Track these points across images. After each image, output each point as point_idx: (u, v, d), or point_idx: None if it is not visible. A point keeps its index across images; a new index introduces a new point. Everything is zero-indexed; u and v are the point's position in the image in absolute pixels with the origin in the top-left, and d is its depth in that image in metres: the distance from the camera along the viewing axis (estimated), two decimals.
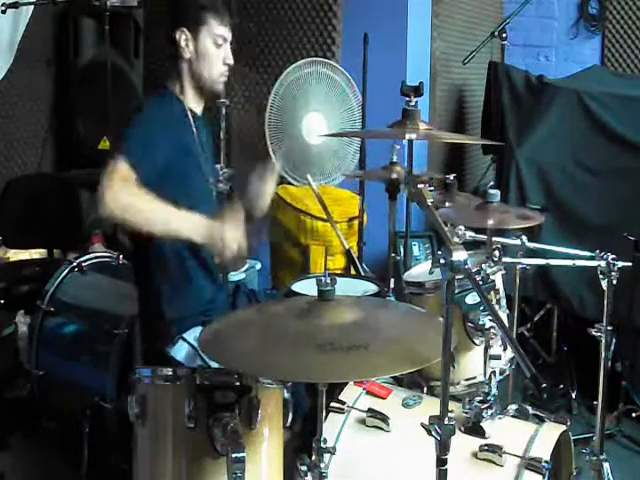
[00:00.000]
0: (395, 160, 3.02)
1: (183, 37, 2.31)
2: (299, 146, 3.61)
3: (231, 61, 2.38)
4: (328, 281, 1.70)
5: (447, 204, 3.03)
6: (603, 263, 2.23)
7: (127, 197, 2.04)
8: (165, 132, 2.23)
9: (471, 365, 2.29)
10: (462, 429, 2.01)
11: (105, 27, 4.00)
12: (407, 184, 2.74)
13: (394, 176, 2.93)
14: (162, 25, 4.87)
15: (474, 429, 2.01)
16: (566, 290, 3.74)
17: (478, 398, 2.07)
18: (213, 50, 2.34)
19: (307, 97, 3.49)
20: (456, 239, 2.39)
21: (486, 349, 2.18)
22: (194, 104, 2.39)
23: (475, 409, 2.04)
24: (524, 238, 2.59)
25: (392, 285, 2.82)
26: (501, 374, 2.27)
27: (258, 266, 4.07)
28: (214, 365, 1.95)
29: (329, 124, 3.66)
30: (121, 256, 3.15)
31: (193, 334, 2.25)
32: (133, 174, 2.08)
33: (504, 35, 3.46)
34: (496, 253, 2.34)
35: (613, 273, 2.23)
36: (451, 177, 3.17)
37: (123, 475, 2.14)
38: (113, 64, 4.15)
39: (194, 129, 2.36)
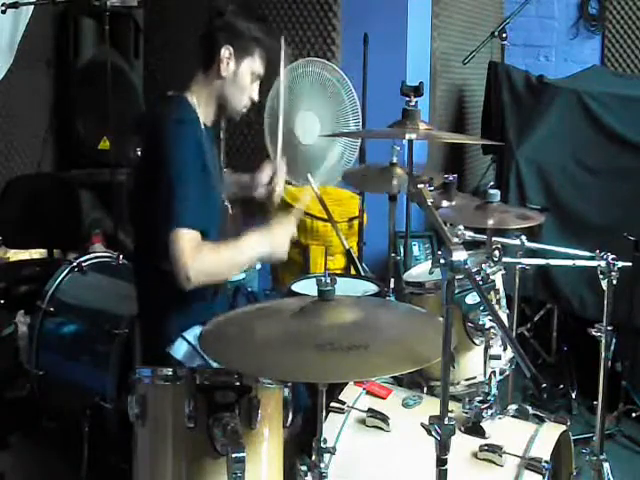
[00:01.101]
0: (395, 161, 3.02)
1: (227, 54, 2.30)
2: (293, 146, 3.60)
3: (256, 98, 2.39)
4: (328, 281, 1.70)
5: (447, 204, 3.03)
6: (603, 263, 2.23)
7: (205, 264, 2.12)
8: (195, 164, 2.21)
9: (471, 365, 2.30)
10: (462, 429, 2.01)
11: (105, 27, 4.00)
12: (407, 185, 2.75)
13: (394, 183, 2.93)
14: (162, 25, 4.90)
15: (474, 429, 2.01)
16: (566, 290, 3.74)
17: (478, 398, 2.07)
18: (248, 83, 2.34)
19: (301, 97, 3.49)
20: (455, 239, 2.39)
21: (486, 349, 2.18)
22: (206, 117, 2.36)
23: (475, 409, 2.04)
24: (524, 238, 2.59)
25: (392, 285, 2.82)
26: (501, 374, 2.27)
27: (258, 266, 4.07)
28: (214, 364, 1.95)
29: (322, 124, 3.66)
30: (121, 256, 3.15)
31: (193, 333, 2.25)
32: (196, 234, 2.12)
33: (504, 35, 3.46)
34: (496, 253, 2.34)
35: (613, 273, 2.23)
36: (451, 177, 3.17)
37: (123, 475, 2.14)
38: (113, 64, 4.15)
39: (207, 146, 2.32)
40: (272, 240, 2.27)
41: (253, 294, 2.67)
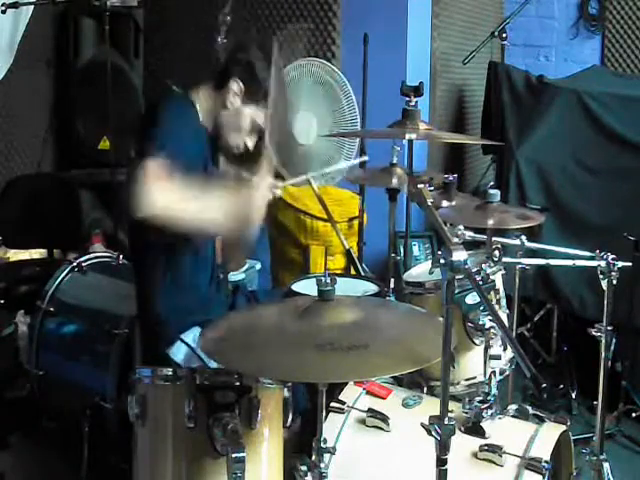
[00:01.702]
0: (395, 161, 3.02)
1: (236, 88, 2.30)
2: (292, 146, 3.60)
3: (250, 145, 2.37)
4: (328, 281, 1.70)
5: (447, 204, 3.03)
6: (603, 263, 2.23)
7: (163, 196, 1.97)
8: (187, 136, 2.20)
9: (471, 365, 2.29)
10: (462, 429, 2.01)
11: (105, 27, 4.00)
12: (407, 184, 2.75)
13: (394, 181, 2.93)
14: (162, 25, 4.90)
15: (474, 429, 2.01)
16: (566, 290, 3.74)
17: (478, 398, 2.07)
18: (246, 126, 2.34)
19: (298, 96, 3.49)
20: (455, 239, 2.39)
21: (486, 349, 2.18)
22: (204, 121, 2.36)
23: (475, 409, 2.04)
24: (524, 238, 2.59)
25: (392, 285, 2.82)
26: (501, 374, 2.27)
27: (258, 266, 4.07)
28: (213, 366, 1.95)
29: (320, 125, 3.66)
30: (121, 256, 3.15)
31: (191, 335, 2.25)
32: (164, 170, 2.01)
33: (504, 35, 3.45)
34: (496, 253, 2.34)
35: (613, 273, 2.23)
36: (451, 177, 3.17)
37: (123, 475, 2.14)
38: (113, 64, 4.15)
39: (205, 142, 2.34)
40: (242, 206, 2.10)
41: (253, 294, 2.67)
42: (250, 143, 2.37)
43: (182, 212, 2.02)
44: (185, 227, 2.05)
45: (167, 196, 1.98)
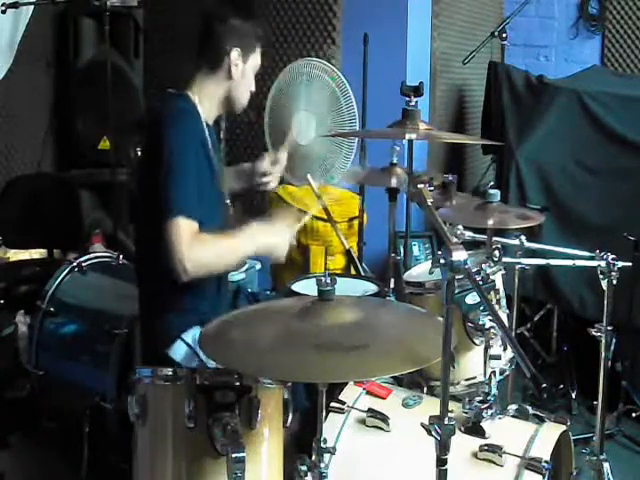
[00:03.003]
0: (395, 161, 3.02)
1: (235, 56, 2.32)
2: (291, 146, 3.61)
3: (254, 89, 2.43)
4: (328, 281, 1.70)
5: (447, 204, 3.03)
6: (603, 263, 2.23)
7: (202, 254, 2.11)
8: (196, 156, 2.23)
9: (471, 365, 2.30)
10: (462, 429, 2.01)
11: (105, 27, 4.00)
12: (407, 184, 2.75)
13: (394, 181, 2.93)
14: (162, 25, 4.90)
15: (474, 429, 2.01)
16: (566, 290, 3.74)
17: (478, 398, 2.07)
18: (251, 77, 2.40)
19: (297, 96, 3.49)
20: (455, 239, 2.39)
21: (486, 349, 2.18)
22: (208, 115, 2.37)
23: (475, 409, 2.03)
24: (523, 238, 2.59)
25: (392, 285, 2.81)
26: (501, 374, 2.27)
27: (258, 266, 4.07)
28: (212, 365, 1.95)
29: (318, 125, 3.66)
30: (121, 256, 3.15)
31: (191, 335, 2.25)
32: (194, 224, 2.11)
33: (504, 35, 3.46)
34: (496, 253, 2.34)
35: (613, 273, 2.23)
36: (451, 177, 3.17)
37: (123, 475, 2.14)
38: (113, 64, 4.15)
39: (209, 141, 2.34)
40: (271, 234, 2.27)
41: (253, 295, 2.67)
42: (254, 87, 2.42)
43: (221, 261, 2.21)
44: (224, 269, 2.30)
45: (205, 253, 2.13)
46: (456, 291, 1.92)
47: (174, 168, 2.14)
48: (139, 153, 2.41)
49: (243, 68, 2.36)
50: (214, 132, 2.44)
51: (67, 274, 3.04)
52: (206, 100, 2.35)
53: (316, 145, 3.54)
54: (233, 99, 2.39)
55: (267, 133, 3.74)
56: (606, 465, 2.31)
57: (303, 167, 3.44)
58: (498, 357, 2.17)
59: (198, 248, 2.09)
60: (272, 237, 2.27)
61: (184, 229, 2.08)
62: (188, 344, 2.24)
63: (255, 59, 2.40)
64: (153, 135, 2.25)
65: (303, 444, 1.94)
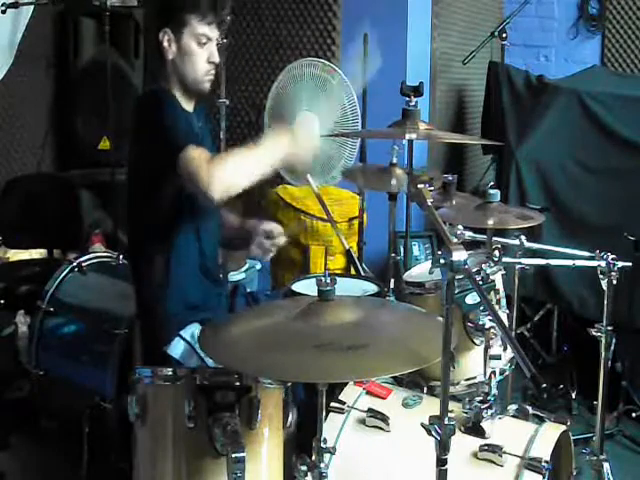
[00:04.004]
0: (395, 161, 3.01)
1: (166, 38, 2.32)
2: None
3: (216, 59, 2.37)
4: (328, 281, 1.70)
5: (447, 204, 3.03)
6: (603, 263, 2.23)
7: (225, 171, 2.08)
8: (185, 121, 2.29)
9: (471, 365, 2.29)
10: (462, 429, 2.01)
11: (105, 27, 4.00)
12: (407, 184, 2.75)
13: (393, 183, 2.93)
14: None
15: (474, 429, 2.01)
16: (566, 290, 3.74)
17: (478, 398, 2.07)
18: (196, 49, 2.33)
19: (300, 97, 3.49)
20: (454, 239, 2.39)
21: (486, 349, 2.18)
22: (184, 102, 2.38)
23: (475, 409, 2.03)
24: (523, 238, 2.59)
25: (392, 285, 2.81)
26: (501, 374, 2.27)
27: (258, 266, 4.07)
28: (210, 362, 1.95)
29: (321, 125, 3.66)
30: (121, 256, 3.15)
31: (190, 332, 2.26)
32: (204, 150, 2.13)
33: (504, 35, 3.45)
34: (496, 253, 2.34)
35: (613, 273, 2.23)
36: (451, 177, 3.17)
37: (123, 475, 2.14)
38: (113, 64, 4.15)
39: (193, 127, 2.36)
40: (292, 141, 2.25)
41: (252, 294, 2.67)
42: (215, 58, 2.36)
43: (243, 175, 2.13)
44: (248, 182, 2.15)
45: (228, 168, 2.09)
46: (456, 291, 1.93)
47: (166, 120, 2.19)
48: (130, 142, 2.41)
49: (178, 46, 2.32)
50: (198, 119, 2.45)
51: (67, 274, 3.04)
52: (174, 88, 2.36)
53: (319, 145, 3.54)
54: (183, 77, 2.35)
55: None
56: (606, 465, 2.31)
57: (304, 167, 3.44)
58: (498, 357, 2.17)
59: (218, 167, 2.08)
60: (293, 143, 2.24)
61: (198, 155, 2.09)
62: (187, 341, 2.24)
63: (192, 31, 2.31)
64: (137, 123, 2.33)
65: (300, 444, 1.94)
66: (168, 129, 2.17)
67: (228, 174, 2.08)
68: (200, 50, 2.34)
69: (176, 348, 2.25)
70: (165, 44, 2.32)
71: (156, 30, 2.32)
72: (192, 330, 2.25)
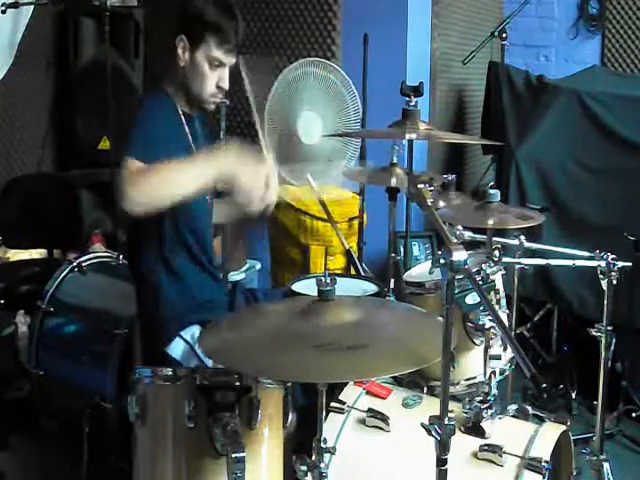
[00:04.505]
0: (395, 161, 3.02)
1: (181, 44, 2.30)
2: (295, 146, 3.61)
3: (225, 86, 2.35)
4: (328, 281, 1.70)
5: (446, 204, 3.03)
6: (603, 263, 2.23)
7: (144, 182, 2.01)
8: (164, 131, 2.23)
9: (471, 365, 2.29)
10: (462, 429, 2.01)
11: (105, 27, 4.00)
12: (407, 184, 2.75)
13: (393, 181, 2.93)
14: (162, 25, 4.89)
15: (474, 429, 2.01)
16: (566, 290, 3.74)
17: (478, 398, 2.07)
18: (207, 70, 2.31)
19: (302, 97, 3.49)
20: (454, 239, 2.39)
21: (486, 349, 2.18)
22: (185, 107, 2.38)
23: (475, 409, 2.03)
24: (523, 238, 2.59)
25: (392, 285, 2.81)
26: (501, 374, 2.27)
27: (258, 266, 4.07)
28: (210, 363, 1.95)
29: (324, 124, 3.66)
30: (121, 256, 3.15)
31: (190, 332, 2.26)
32: (141, 163, 2.07)
33: (504, 35, 3.46)
34: (496, 253, 2.34)
35: (613, 273, 2.23)
36: (450, 177, 3.17)
37: (123, 475, 2.14)
38: (113, 64, 4.15)
39: (187, 130, 2.36)
40: (237, 160, 2.07)
41: (251, 292, 2.67)
42: (224, 84, 2.35)
43: (171, 185, 2.03)
44: (179, 194, 2.04)
45: (145, 181, 2.02)
46: (456, 291, 1.93)
47: (132, 131, 2.18)
48: None
49: (191, 57, 2.30)
50: (200, 123, 2.44)
51: (67, 274, 3.05)
52: (176, 90, 2.35)
53: (322, 145, 3.55)
54: (188, 88, 2.33)
55: (266, 133, 3.74)
56: (606, 465, 2.31)
57: (304, 167, 3.45)
58: (498, 357, 2.17)
59: (142, 179, 2.02)
60: (237, 164, 2.06)
61: (131, 168, 2.06)
62: (187, 341, 2.25)
63: (207, 51, 2.29)
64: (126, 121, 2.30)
65: (299, 443, 1.94)
66: (129, 139, 2.15)
67: (151, 187, 2.01)
68: (210, 72, 2.32)
69: (176, 348, 2.25)
70: (179, 50, 2.30)
71: (174, 33, 2.30)
72: (192, 331, 2.25)
